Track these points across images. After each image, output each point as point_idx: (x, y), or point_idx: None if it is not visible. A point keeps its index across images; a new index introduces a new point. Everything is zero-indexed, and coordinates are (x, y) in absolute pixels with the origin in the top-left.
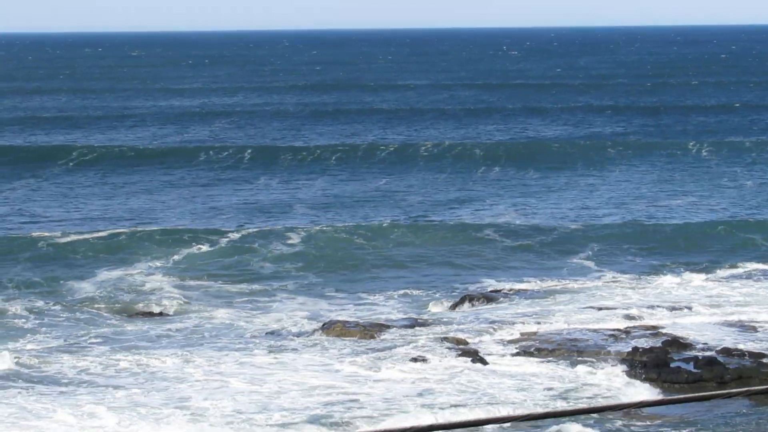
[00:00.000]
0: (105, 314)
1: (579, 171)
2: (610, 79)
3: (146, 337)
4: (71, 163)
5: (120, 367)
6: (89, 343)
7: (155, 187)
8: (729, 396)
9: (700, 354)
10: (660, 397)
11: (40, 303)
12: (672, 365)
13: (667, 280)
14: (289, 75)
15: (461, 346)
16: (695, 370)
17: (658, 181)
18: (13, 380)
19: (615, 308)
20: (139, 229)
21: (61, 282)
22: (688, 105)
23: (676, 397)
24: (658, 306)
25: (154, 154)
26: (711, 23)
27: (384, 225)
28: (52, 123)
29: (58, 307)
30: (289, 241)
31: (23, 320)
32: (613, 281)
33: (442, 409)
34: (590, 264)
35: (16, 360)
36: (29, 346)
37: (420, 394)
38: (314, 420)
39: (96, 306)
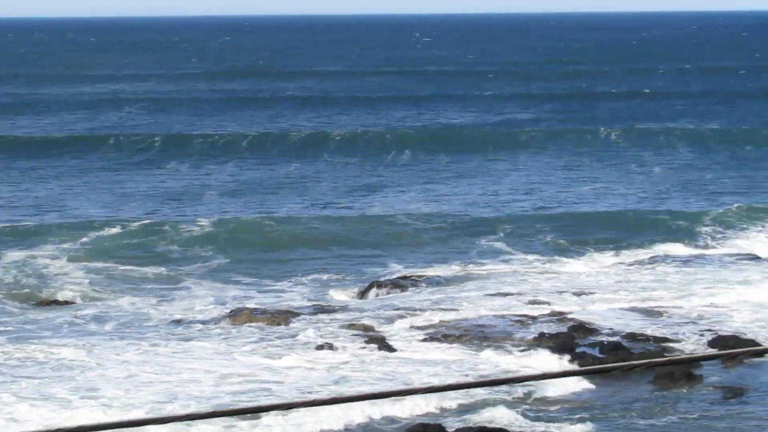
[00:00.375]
0: (8, 302)
1: (489, 157)
2: (522, 66)
3: (52, 326)
4: None
5: (24, 356)
6: None
7: (63, 174)
8: (631, 368)
9: (605, 339)
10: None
11: None
12: (577, 350)
13: (576, 266)
14: (202, 61)
15: (369, 333)
16: (600, 355)
17: (568, 167)
18: None
19: (523, 294)
20: (47, 216)
21: None
22: (599, 91)
23: (589, 368)
24: (565, 292)
25: (62, 141)
26: (627, 9)
27: (294, 212)
28: None
29: None
30: (198, 228)
31: None
32: (522, 267)
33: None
34: (499, 250)
35: None
36: None
37: (336, 382)
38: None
39: None
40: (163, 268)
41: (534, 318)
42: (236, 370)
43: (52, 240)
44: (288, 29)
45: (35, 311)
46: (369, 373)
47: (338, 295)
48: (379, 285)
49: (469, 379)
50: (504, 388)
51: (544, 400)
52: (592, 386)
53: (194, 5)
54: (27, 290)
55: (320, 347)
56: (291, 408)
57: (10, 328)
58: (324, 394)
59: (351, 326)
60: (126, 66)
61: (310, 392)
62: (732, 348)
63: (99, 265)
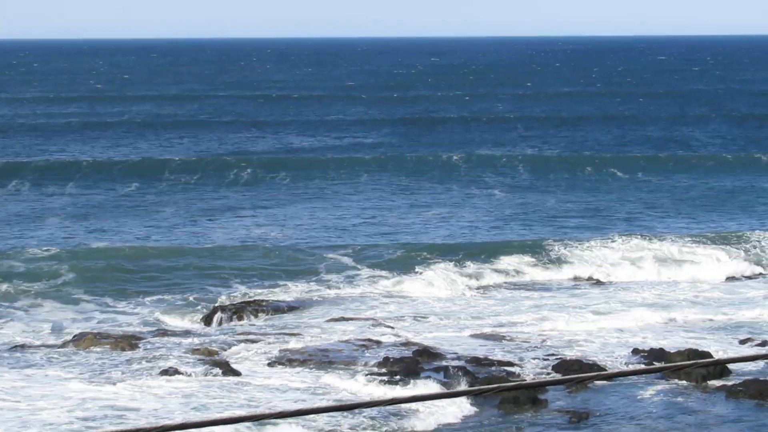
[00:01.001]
0: None
1: (330, 182)
2: (361, 90)
3: None
4: None
5: None
6: None
7: None
8: (480, 393)
9: (450, 363)
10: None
11: None
12: (423, 374)
13: (420, 291)
14: (42, 84)
15: (213, 358)
16: (445, 380)
17: (410, 191)
18: None
19: (368, 319)
20: None
21: None
22: (438, 117)
23: (440, 393)
24: (409, 316)
25: None
26: (466, 35)
27: (136, 236)
28: None
29: None
30: (41, 252)
31: None
32: (366, 291)
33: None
34: (344, 274)
35: None
36: None
37: (195, 408)
38: None
39: None
40: (3, 289)
41: (378, 342)
42: (88, 395)
43: None
44: (121, 53)
45: None
46: (229, 398)
47: (182, 321)
48: (223, 310)
49: (317, 405)
50: (348, 414)
51: (402, 428)
52: (439, 410)
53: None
54: None
55: (165, 371)
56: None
57: None
58: (181, 419)
59: (195, 351)
60: None
61: (165, 418)
62: (576, 372)
63: None
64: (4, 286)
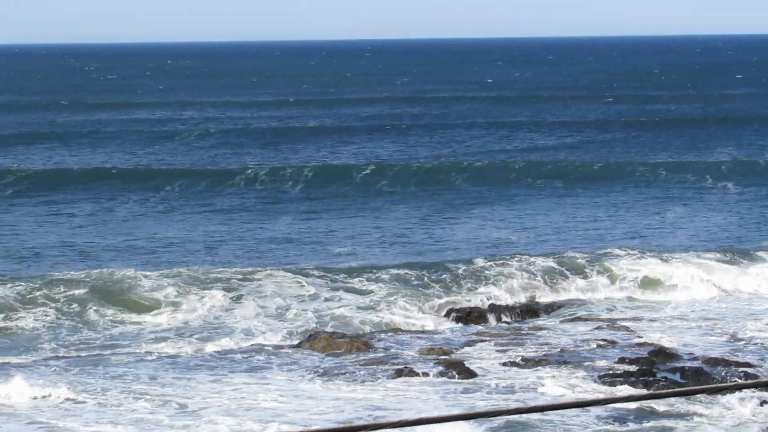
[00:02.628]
0: None
1: (577, 184)
2: (607, 90)
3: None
4: None
5: None
6: None
7: None
8: (717, 390)
9: (686, 364)
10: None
11: None
12: (658, 375)
13: (665, 294)
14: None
15: (447, 357)
16: (682, 380)
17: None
18: None
19: (604, 320)
20: None
21: None
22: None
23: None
24: (648, 319)
25: None
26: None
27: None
28: None
29: None
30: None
31: None
32: (606, 294)
33: None
34: (578, 275)
35: None
36: None
37: (437, 409)
38: None
39: None
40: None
41: (614, 343)
42: (335, 395)
43: None
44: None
45: None
46: (466, 398)
47: (415, 321)
48: (456, 310)
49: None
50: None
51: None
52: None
53: None
54: None
55: (400, 372)
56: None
57: None
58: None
59: (429, 351)
60: None
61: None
62: None
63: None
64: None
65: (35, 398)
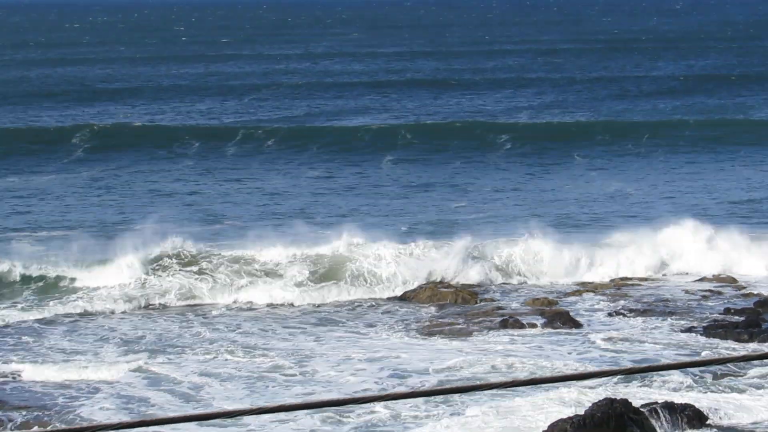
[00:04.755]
0: None
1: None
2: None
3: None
4: None
5: None
6: None
7: None
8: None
9: None
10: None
11: None
12: (764, 326)
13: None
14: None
15: (552, 308)
16: None
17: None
18: None
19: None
20: None
21: None
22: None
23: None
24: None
25: None
26: None
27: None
28: None
29: None
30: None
31: None
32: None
33: None
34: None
35: None
36: None
37: (544, 358)
38: None
39: None
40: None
41: (719, 293)
42: (440, 347)
43: None
44: None
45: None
46: (572, 348)
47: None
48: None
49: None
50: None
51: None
52: None
53: None
54: None
55: (505, 322)
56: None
57: None
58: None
59: (535, 301)
60: None
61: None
62: None
63: None
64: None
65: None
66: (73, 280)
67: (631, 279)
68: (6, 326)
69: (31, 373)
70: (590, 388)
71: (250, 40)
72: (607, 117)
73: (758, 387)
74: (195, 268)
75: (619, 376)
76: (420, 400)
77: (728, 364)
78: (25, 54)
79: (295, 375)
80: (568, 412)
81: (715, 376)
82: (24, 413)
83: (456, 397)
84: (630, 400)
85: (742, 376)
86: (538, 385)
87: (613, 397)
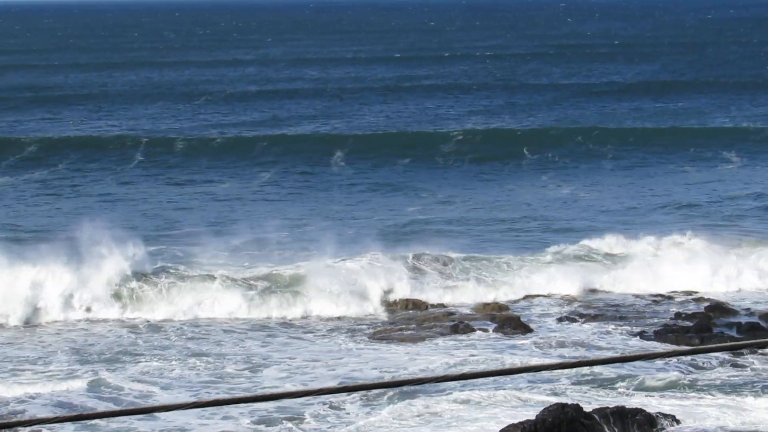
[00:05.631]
0: None
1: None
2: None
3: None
4: None
5: None
6: None
7: None
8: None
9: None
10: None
11: None
12: (715, 330)
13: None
14: None
15: (502, 313)
16: (738, 335)
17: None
18: None
19: (657, 277)
20: None
21: None
22: None
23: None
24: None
25: None
26: None
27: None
28: None
29: None
30: None
31: None
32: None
33: None
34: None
35: None
36: None
37: (484, 362)
38: None
39: None
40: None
41: (670, 298)
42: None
43: None
44: None
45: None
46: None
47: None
48: None
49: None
50: (638, 365)
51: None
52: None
53: None
54: None
55: (456, 328)
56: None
57: None
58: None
59: (485, 306)
60: None
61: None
62: None
63: None
64: None
65: None
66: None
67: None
68: None
69: None
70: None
71: (198, 46)
72: (557, 122)
73: (708, 392)
74: (143, 278)
75: (568, 380)
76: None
77: (677, 368)
78: None
79: (242, 383)
80: (519, 417)
81: (666, 382)
82: None
83: (409, 398)
84: (581, 405)
85: (695, 381)
86: (491, 390)
87: (564, 402)
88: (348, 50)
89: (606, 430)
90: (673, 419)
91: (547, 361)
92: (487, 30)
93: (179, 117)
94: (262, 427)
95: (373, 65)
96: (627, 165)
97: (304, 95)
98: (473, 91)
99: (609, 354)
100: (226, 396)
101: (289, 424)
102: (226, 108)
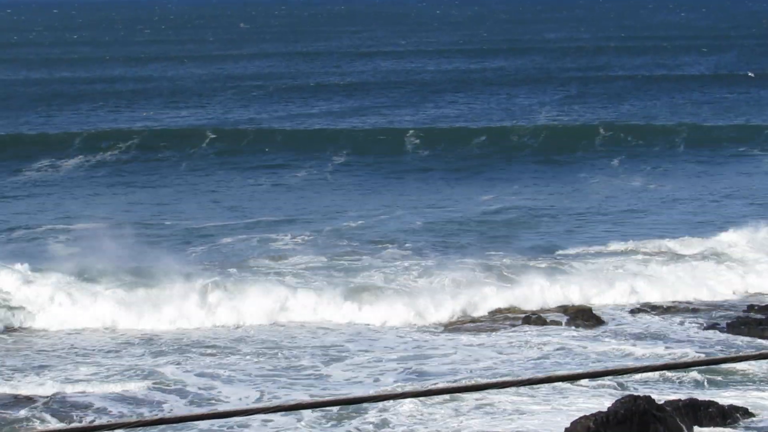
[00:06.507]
0: None
1: None
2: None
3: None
4: None
5: None
6: None
7: None
8: None
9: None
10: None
11: None
12: None
13: None
14: None
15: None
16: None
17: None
18: None
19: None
20: None
21: None
22: None
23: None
24: None
25: None
26: None
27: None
28: None
29: None
30: None
31: None
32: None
33: None
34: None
35: None
36: None
37: (567, 356)
38: None
39: None
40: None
41: (744, 291)
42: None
43: None
44: None
45: None
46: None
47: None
48: None
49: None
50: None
51: None
52: None
53: None
54: None
55: (527, 320)
56: None
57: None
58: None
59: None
60: None
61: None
62: None
63: None
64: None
65: None
66: None
67: None
68: None
69: None
70: (611, 386)
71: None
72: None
73: None
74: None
75: (641, 374)
76: (434, 398)
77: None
78: None
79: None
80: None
81: (736, 374)
82: None
83: (477, 394)
84: (653, 397)
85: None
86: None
87: (636, 394)
88: (421, 42)
89: (678, 422)
90: (746, 412)
91: (628, 363)
92: (559, 22)
93: (269, 108)
94: (324, 421)
95: (447, 57)
96: (705, 160)
97: (383, 86)
98: (550, 84)
99: (686, 347)
100: (290, 401)
101: (355, 423)
102: (299, 99)
